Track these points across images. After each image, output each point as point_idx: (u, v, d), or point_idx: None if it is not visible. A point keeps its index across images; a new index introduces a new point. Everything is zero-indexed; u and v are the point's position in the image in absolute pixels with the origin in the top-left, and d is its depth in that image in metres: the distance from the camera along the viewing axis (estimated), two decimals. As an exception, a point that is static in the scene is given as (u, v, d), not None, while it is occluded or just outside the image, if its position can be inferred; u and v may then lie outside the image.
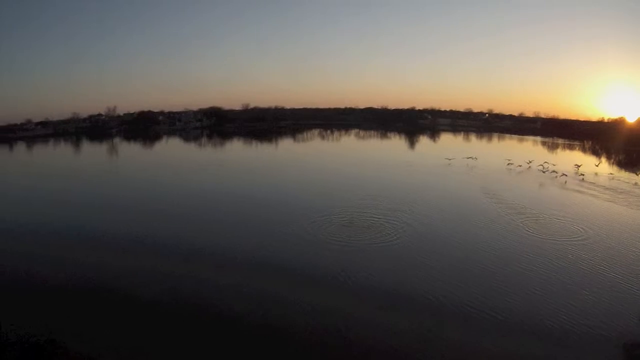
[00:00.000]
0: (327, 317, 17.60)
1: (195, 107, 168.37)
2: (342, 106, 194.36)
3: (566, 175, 51.31)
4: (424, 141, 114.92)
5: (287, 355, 15.33)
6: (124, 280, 20.99)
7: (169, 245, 26.07)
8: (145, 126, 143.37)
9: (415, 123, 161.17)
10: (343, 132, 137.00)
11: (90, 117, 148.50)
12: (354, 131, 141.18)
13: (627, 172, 58.75)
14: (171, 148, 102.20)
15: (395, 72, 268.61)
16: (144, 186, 47.67)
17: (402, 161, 66.18)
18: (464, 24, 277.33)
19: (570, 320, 17.01)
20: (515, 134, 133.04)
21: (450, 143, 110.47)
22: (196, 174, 55.06)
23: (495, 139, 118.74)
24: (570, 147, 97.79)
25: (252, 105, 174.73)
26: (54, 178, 54.67)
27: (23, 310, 17.71)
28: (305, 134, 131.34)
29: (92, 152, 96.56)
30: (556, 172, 52.88)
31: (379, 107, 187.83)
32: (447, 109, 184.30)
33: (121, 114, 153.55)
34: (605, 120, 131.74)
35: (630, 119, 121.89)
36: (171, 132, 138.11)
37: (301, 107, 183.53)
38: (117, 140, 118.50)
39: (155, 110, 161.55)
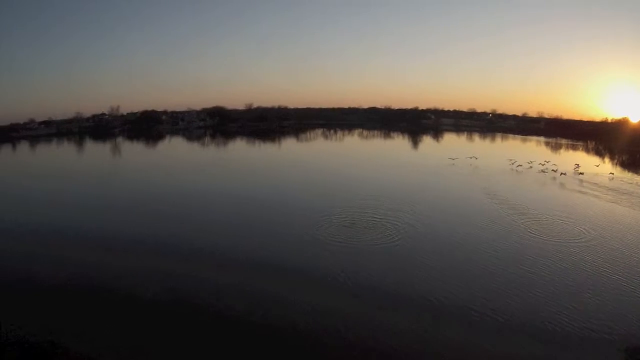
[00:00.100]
0: (327, 317, 17.55)
1: (198, 107, 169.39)
2: (346, 106, 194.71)
3: (565, 174, 51.47)
4: (427, 141, 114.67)
5: (287, 355, 15.29)
6: (124, 280, 21.00)
7: (169, 245, 26.09)
8: (148, 126, 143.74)
9: (418, 123, 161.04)
10: (346, 132, 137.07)
11: (94, 116, 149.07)
12: (357, 131, 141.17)
13: (630, 173, 58.51)
14: (174, 148, 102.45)
15: (396, 71, 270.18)
16: (145, 186, 47.76)
17: (404, 161, 66.14)
18: (464, 23, 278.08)
19: (572, 323, 16.86)
20: (518, 134, 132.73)
21: (453, 143, 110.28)
22: (197, 174, 55.17)
23: (498, 139, 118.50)
24: (574, 148, 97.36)
25: (255, 105, 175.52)
26: (55, 178, 54.89)
27: (23, 310, 17.72)
28: (308, 133, 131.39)
29: (95, 151, 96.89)
30: (555, 172, 52.95)
31: (382, 107, 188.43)
32: (451, 109, 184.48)
33: (124, 113, 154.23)
34: (609, 120, 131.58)
35: (634, 119, 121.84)
36: (174, 132, 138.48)
37: (304, 107, 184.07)
38: (120, 139, 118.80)
39: (159, 110, 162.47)
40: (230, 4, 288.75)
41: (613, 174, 55.98)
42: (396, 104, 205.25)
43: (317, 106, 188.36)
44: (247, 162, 68.43)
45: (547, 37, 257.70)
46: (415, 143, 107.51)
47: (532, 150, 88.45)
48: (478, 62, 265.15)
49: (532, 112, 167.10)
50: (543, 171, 54.34)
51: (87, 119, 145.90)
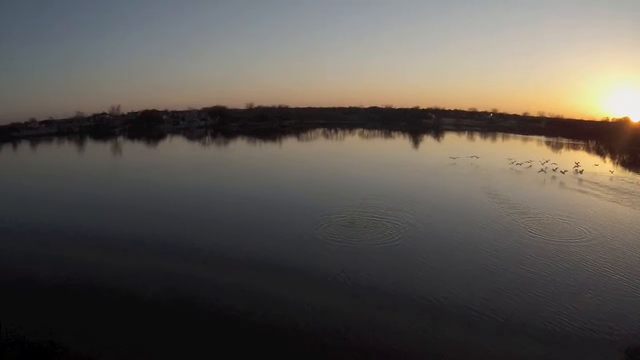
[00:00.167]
0: (327, 317, 17.53)
1: (199, 107, 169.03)
2: (346, 105, 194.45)
3: (564, 173, 51.78)
4: (427, 140, 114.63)
5: (286, 355, 15.28)
6: (124, 280, 20.99)
7: (169, 245, 26.07)
8: (149, 125, 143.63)
9: (419, 122, 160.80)
10: (347, 132, 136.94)
11: (94, 116, 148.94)
12: (357, 130, 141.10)
13: (630, 172, 58.47)
14: (174, 147, 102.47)
15: (397, 71, 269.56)
16: (145, 186, 47.74)
17: (405, 161, 66.13)
18: (464, 22, 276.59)
19: (573, 323, 16.83)
20: (519, 133, 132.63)
21: (454, 142, 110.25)
22: (198, 174, 55.22)
23: (499, 139, 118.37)
24: (575, 147, 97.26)
25: (255, 105, 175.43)
26: (56, 178, 54.85)
27: (23, 310, 17.74)
28: (309, 133, 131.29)
29: (96, 151, 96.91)
30: (555, 171, 53.17)
31: (383, 107, 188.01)
32: (451, 109, 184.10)
33: (125, 113, 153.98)
34: (610, 120, 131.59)
35: (635, 119, 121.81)
36: (175, 131, 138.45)
37: (305, 106, 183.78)
38: (120, 139, 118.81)
39: (159, 110, 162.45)
40: (230, 3, 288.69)
41: (613, 172, 56.15)
42: (397, 104, 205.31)
43: (317, 105, 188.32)
44: (248, 162, 68.42)
45: (547, 37, 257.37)
46: (415, 142, 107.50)
47: (533, 150, 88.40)
48: (478, 61, 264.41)
49: (533, 112, 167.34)
50: (543, 170, 54.34)
51: (88, 119, 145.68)
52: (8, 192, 45.20)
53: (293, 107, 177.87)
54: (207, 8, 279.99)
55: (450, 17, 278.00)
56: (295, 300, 18.90)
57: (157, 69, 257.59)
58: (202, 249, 25.24)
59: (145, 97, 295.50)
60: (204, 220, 31.95)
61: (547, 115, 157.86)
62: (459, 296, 19.19)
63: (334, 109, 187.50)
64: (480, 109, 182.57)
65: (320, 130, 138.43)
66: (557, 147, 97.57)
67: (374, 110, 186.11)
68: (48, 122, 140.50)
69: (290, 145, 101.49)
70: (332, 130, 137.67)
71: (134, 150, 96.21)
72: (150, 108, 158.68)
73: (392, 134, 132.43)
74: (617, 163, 69.58)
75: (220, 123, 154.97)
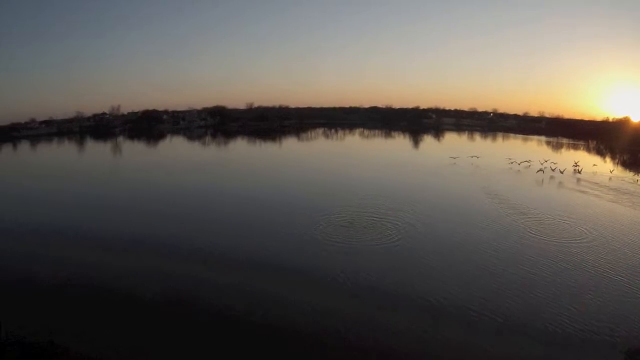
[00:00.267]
0: (327, 318, 17.55)
1: (199, 107, 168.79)
2: (347, 105, 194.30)
3: (562, 173, 52.00)
4: (428, 140, 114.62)
5: (286, 355, 15.31)
6: (124, 280, 20.99)
7: (169, 245, 26.06)
8: (149, 125, 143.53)
9: (419, 122, 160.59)
10: (347, 132, 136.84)
11: (94, 116, 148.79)
12: (358, 130, 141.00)
13: (630, 172, 58.41)
14: (174, 147, 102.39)
15: (397, 70, 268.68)
16: (145, 186, 47.71)
17: (405, 160, 66.09)
18: (464, 22, 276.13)
19: (573, 324, 16.81)
20: (519, 133, 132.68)
21: (454, 142, 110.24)
22: (198, 174, 55.16)
23: (499, 139, 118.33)
24: (575, 147, 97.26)
25: (256, 105, 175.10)
26: (56, 178, 54.84)
27: (23, 310, 17.74)
28: (309, 133, 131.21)
29: (96, 151, 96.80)
30: (554, 171, 53.35)
31: (383, 107, 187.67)
32: (452, 109, 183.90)
33: (125, 113, 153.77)
34: (610, 120, 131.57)
35: (635, 119, 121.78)
36: (175, 131, 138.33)
37: (305, 106, 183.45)
38: (120, 139, 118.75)
39: (160, 110, 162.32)
40: (230, 3, 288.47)
41: (612, 172, 56.30)
42: (397, 104, 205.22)
43: (318, 105, 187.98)
44: (248, 162, 68.36)
45: (547, 36, 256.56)
46: (416, 142, 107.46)
47: (533, 150, 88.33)
48: (479, 61, 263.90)
49: (533, 112, 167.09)
50: (541, 170, 54.54)
51: (88, 119, 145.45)
52: (8, 192, 45.17)
53: (293, 107, 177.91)
54: (207, 8, 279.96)
55: (451, 17, 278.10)
56: (295, 301, 18.92)
57: (157, 69, 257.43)
58: (202, 249, 25.24)
59: (145, 97, 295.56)
60: (204, 220, 31.95)
61: (547, 115, 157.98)
62: (458, 296, 19.18)
63: (334, 108, 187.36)
64: (480, 109, 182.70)
65: (320, 130, 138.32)
66: (557, 147, 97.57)
67: (374, 110, 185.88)
68: (48, 122, 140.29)
69: (290, 145, 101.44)
70: (333, 130, 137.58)
71: (134, 150, 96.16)
72: (150, 108, 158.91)
73: (393, 134, 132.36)
74: (617, 163, 69.61)
75: (221, 123, 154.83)
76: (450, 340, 15.91)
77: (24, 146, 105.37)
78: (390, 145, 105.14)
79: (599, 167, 60.07)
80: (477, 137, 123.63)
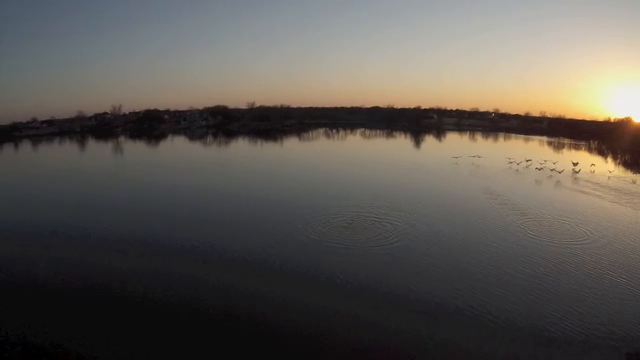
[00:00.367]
0: (327, 318, 17.58)
1: (200, 106, 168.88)
2: (348, 105, 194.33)
3: (560, 173, 52.19)
4: (429, 140, 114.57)
5: (284, 355, 15.36)
6: (125, 281, 21.02)
7: (169, 246, 26.12)
8: (150, 125, 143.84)
9: (421, 122, 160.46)
10: (349, 132, 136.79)
11: (96, 115, 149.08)
12: (359, 130, 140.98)
13: (631, 172, 58.36)
14: (175, 147, 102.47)
15: (398, 70, 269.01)
16: (146, 186, 47.69)
17: (406, 160, 66.03)
18: (465, 22, 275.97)
19: (573, 327, 16.76)
20: (521, 133, 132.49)
21: (456, 142, 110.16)
22: (198, 174, 55.27)
23: (501, 139, 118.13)
24: (576, 147, 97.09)
25: (257, 104, 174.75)
26: (56, 178, 55.03)
27: (24, 311, 17.82)
28: (310, 133, 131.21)
29: (96, 151, 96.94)
30: (553, 171, 53.55)
31: (385, 107, 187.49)
32: (453, 109, 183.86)
33: (126, 112, 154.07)
34: (612, 120, 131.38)
35: (637, 119, 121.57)
36: (176, 131, 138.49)
37: (307, 106, 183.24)
38: (122, 139, 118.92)
39: (161, 109, 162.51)
40: (230, 2, 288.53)
41: (612, 172, 56.30)
42: (399, 104, 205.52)
43: (319, 105, 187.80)
44: (248, 162, 68.44)
45: (548, 36, 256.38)
46: (417, 142, 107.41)
47: (534, 150, 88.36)
48: (479, 61, 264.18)
49: (535, 112, 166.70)
50: (539, 169, 54.92)
51: (89, 118, 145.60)
52: (8, 192, 45.29)
53: (295, 107, 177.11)
54: (208, 8, 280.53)
55: (452, 17, 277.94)
56: (294, 301, 18.96)
57: (158, 69, 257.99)
58: (202, 249, 25.31)
59: (146, 97, 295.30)
60: (204, 220, 32.06)
61: (548, 116, 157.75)
62: (458, 297, 19.17)
63: (335, 108, 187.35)
64: (482, 109, 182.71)
65: (322, 130, 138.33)
66: (558, 147, 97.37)
67: (375, 110, 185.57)
68: (49, 122, 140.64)
69: (291, 145, 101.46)
70: (334, 131, 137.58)
71: (134, 150, 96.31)
72: (151, 108, 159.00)
73: (394, 134, 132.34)
74: (618, 163, 69.52)
75: (222, 123, 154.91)
76: (449, 341, 15.92)
77: (26, 146, 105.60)
78: (391, 146, 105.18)
79: (599, 167, 59.99)
80: (479, 137, 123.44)
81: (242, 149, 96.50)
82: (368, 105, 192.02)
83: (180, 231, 29.00)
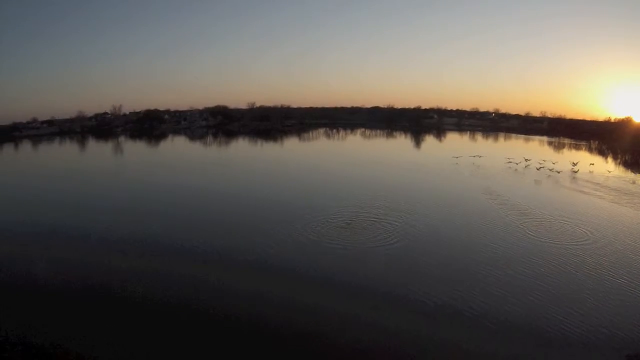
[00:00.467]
0: (326, 318, 17.61)
1: (200, 106, 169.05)
2: (349, 105, 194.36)
3: (558, 173, 52.20)
4: (430, 140, 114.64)
5: (285, 355, 15.36)
6: (125, 281, 21.01)
7: (168, 246, 26.12)
8: (150, 125, 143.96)
9: (421, 122, 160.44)
10: (349, 132, 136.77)
11: (96, 115, 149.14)
12: (359, 130, 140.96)
13: (631, 173, 58.36)
14: (176, 147, 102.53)
15: (398, 70, 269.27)
16: (146, 186, 47.69)
17: (406, 160, 66.02)
18: (465, 22, 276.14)
19: (573, 328, 16.72)
20: (521, 133, 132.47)
21: (456, 142, 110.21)
22: (197, 174, 55.32)
23: (501, 139, 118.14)
24: (576, 147, 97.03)
25: (257, 104, 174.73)
26: (56, 178, 55.08)
27: (24, 311, 17.83)
28: (310, 133, 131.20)
29: (97, 151, 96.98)
30: (552, 170, 53.64)
31: (385, 107, 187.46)
32: (454, 109, 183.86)
33: (127, 112, 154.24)
34: (612, 120, 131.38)
35: (638, 119, 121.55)
36: (177, 131, 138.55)
37: (307, 106, 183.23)
38: (122, 139, 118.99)
39: (161, 109, 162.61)
40: (230, 2, 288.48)
41: (611, 172, 56.35)
42: (399, 104, 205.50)
43: (320, 105, 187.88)
44: (248, 162, 68.51)
45: (549, 35, 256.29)
46: (417, 142, 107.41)
47: (535, 150, 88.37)
48: (480, 61, 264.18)
49: (535, 112, 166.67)
50: (538, 169, 55.00)
51: (90, 118, 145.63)
52: (9, 192, 45.31)
53: (295, 107, 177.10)
54: (208, 7, 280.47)
55: (452, 17, 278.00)
56: (294, 301, 18.97)
57: (159, 69, 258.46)
58: (202, 249, 25.31)
59: (146, 97, 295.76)
60: (204, 220, 32.12)
61: (549, 116, 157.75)
62: (457, 298, 19.16)
63: (336, 109, 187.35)
64: (482, 109, 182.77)
65: (322, 130, 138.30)
66: (558, 147, 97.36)
67: (376, 110, 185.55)
68: (50, 122, 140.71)
69: (291, 146, 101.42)
70: (334, 131, 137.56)
71: (135, 150, 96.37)
72: (151, 108, 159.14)
73: (394, 134, 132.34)
74: (618, 163, 69.44)
75: (222, 123, 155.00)
76: (448, 341, 15.92)
77: (26, 146, 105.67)
78: (391, 146, 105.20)
79: (600, 167, 60.02)
80: (479, 137, 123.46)
81: (242, 149, 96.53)
82: (368, 105, 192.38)
83: (180, 231, 29.03)
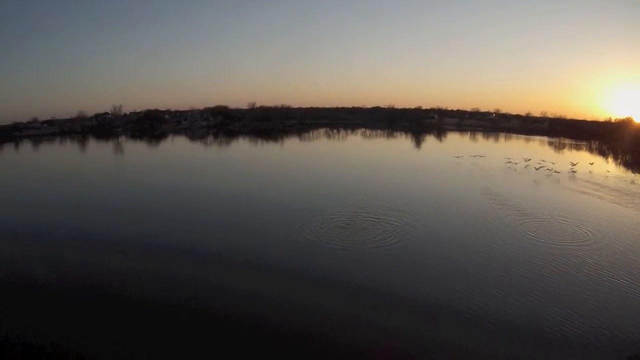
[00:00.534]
0: (326, 318, 17.61)
1: (201, 106, 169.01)
2: (349, 106, 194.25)
3: (557, 173, 52.24)
4: (430, 140, 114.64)
5: (285, 355, 15.36)
6: (125, 281, 21.02)
7: (169, 246, 26.16)
8: (151, 125, 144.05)
9: (422, 123, 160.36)
10: (349, 132, 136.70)
11: (97, 115, 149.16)
12: (360, 131, 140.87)
13: (631, 173, 58.33)
14: (176, 148, 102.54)
15: (399, 70, 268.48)
16: (145, 186, 47.59)
17: (406, 160, 66.07)
18: (466, 21, 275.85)
19: (573, 329, 16.69)
20: (522, 134, 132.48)
21: (457, 142, 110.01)
22: (197, 175, 55.26)
23: (502, 139, 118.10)
24: (577, 147, 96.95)
25: (258, 105, 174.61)
26: (56, 179, 55.06)
27: (24, 311, 17.82)
28: (311, 133, 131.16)
29: (97, 151, 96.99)
30: (551, 170, 53.69)
31: (386, 107, 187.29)
32: (454, 109, 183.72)
33: (127, 112, 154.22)
34: (613, 120, 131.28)
35: (638, 119, 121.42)
36: (177, 131, 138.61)
37: (308, 106, 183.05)
38: (122, 139, 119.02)
39: (162, 109, 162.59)
40: (230, 1, 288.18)
41: (609, 172, 56.39)
42: (399, 104, 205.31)
43: (320, 106, 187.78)
44: (248, 162, 68.52)
45: (549, 35, 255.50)
46: (418, 143, 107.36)
47: (535, 150, 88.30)
48: (480, 61, 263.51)
49: (536, 112, 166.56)
50: (537, 169, 55.07)
51: (90, 118, 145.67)
52: (9, 193, 45.35)
53: (296, 107, 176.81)
54: (208, 7, 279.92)
55: (452, 17, 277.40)
56: (294, 301, 18.99)
57: (159, 69, 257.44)
58: (202, 250, 25.33)
59: (147, 97, 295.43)
60: (204, 221, 32.10)
61: (549, 116, 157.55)
62: (457, 298, 19.15)
63: (336, 109, 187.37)
64: (483, 109, 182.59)
65: (322, 131, 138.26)
66: (559, 147, 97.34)
67: (376, 110, 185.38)
68: (50, 122, 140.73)
69: (292, 146, 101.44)
70: (335, 131, 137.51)
71: (135, 151, 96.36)
72: (152, 108, 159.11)
73: (395, 134, 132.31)
74: (618, 163, 69.44)
75: (223, 123, 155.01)
76: (448, 342, 15.90)
77: (26, 146, 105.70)
78: (392, 146, 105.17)
79: (600, 167, 60.06)
80: (480, 137, 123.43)
81: (242, 149, 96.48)
82: (369, 106, 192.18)
83: (180, 232, 29.05)
